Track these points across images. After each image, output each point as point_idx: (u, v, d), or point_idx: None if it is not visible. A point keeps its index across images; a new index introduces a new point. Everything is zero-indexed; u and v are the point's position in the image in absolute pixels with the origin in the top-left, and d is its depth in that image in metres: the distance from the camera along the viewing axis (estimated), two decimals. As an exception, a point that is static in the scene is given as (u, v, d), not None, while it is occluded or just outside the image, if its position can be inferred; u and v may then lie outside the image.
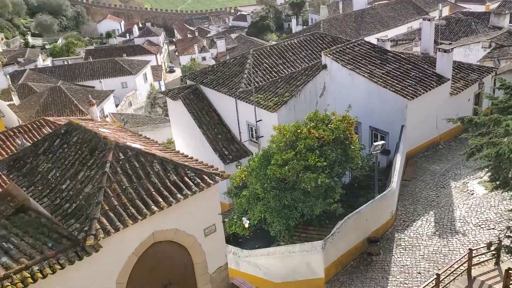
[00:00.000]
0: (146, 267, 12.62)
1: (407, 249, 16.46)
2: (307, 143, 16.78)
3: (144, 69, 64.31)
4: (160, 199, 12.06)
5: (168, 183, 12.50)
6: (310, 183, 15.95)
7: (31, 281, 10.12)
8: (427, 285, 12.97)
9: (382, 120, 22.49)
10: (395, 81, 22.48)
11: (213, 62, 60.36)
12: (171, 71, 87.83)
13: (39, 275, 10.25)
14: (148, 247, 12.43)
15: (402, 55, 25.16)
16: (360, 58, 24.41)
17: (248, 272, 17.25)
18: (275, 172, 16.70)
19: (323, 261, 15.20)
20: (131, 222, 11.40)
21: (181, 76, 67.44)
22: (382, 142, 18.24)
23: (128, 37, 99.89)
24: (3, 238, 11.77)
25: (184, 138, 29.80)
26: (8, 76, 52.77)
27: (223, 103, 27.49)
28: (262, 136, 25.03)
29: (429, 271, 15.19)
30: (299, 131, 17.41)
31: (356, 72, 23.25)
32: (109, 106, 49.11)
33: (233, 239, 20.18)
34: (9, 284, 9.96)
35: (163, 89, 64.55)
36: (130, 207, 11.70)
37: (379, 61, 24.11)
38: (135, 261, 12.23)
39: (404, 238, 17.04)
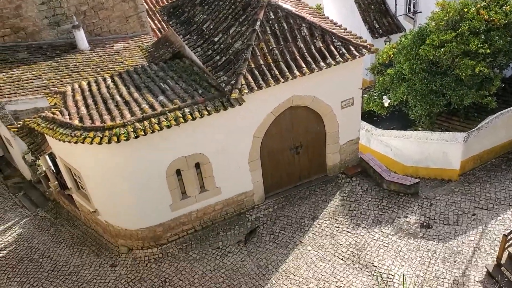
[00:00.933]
0: (281, 127, 13.27)
1: (563, 158, 14.80)
2: (472, 25, 14.88)
3: None
4: (303, 65, 12.07)
5: (313, 50, 12.35)
6: (466, 71, 14.50)
7: (182, 120, 11.31)
8: None
9: None
10: None
11: None
12: None
13: (189, 116, 11.38)
14: (285, 109, 12.89)
15: None
16: None
17: (378, 151, 17.21)
18: (428, 54, 15.39)
19: (462, 154, 14.43)
20: (273, 82, 11.75)
21: None
22: None
23: None
24: (161, 79, 13.07)
25: (334, 4, 28.43)
26: None
27: (383, -30, 25.07)
28: (421, 12, 22.76)
29: None
30: (465, 10, 15.38)
31: None
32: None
33: (368, 116, 19.92)
34: (164, 120, 11.28)
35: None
36: (274, 68, 11.96)
37: None
38: (272, 120, 12.87)
39: (562, 147, 15.23)
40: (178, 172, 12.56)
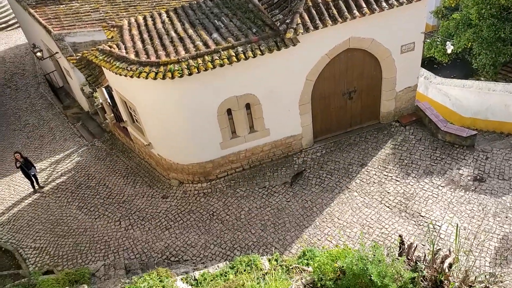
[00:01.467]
0: (335, 70, 12.92)
1: None
2: (555, -33, 13.57)
3: None
4: (364, 4, 11.49)
5: (376, -11, 11.69)
6: (541, 17, 13.40)
7: (235, 59, 11.21)
8: None
9: None
10: None
11: None
12: None
13: (242, 56, 11.26)
14: (341, 52, 12.48)
15: None
16: None
17: (435, 99, 16.57)
18: (500, -3, 14.27)
19: (526, 108, 13.67)
20: (330, 22, 11.31)
21: None
22: None
23: None
24: (215, 16, 12.88)
25: None
26: None
27: None
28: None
29: None
30: (549, -51, 13.98)
31: None
32: None
33: (428, 63, 19.04)
34: (217, 58, 11.22)
35: None
36: (332, 8, 11.48)
37: None
38: (327, 62, 12.53)
39: None
40: (229, 111, 12.65)
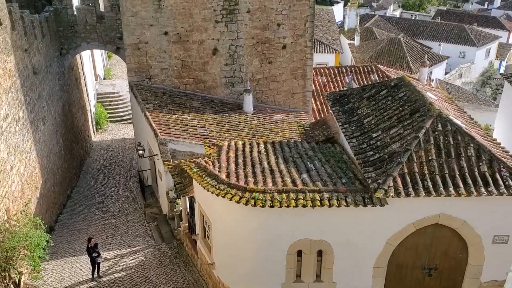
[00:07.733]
0: (419, 242, 12.33)
1: None
2: None
3: (490, 44, 58.45)
4: (461, 185, 11.23)
5: (476, 173, 11.46)
6: None
7: (318, 204, 11.20)
8: None
9: None
10: None
11: None
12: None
13: (326, 202, 11.23)
14: (429, 225, 12.01)
15: None
16: None
17: (523, 302, 14.90)
18: None
19: None
20: (424, 194, 11.08)
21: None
22: None
23: (486, 6, 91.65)
24: (309, 158, 13.31)
25: (507, 130, 26.51)
26: (358, 17, 56.63)
27: None
28: None
29: None
30: None
31: None
32: (438, 71, 47.47)
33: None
34: (302, 198, 11.31)
35: (502, 70, 57.88)
36: (428, 180, 11.34)
37: None
38: (412, 232, 12.04)
39: None
40: (299, 253, 12.34)
